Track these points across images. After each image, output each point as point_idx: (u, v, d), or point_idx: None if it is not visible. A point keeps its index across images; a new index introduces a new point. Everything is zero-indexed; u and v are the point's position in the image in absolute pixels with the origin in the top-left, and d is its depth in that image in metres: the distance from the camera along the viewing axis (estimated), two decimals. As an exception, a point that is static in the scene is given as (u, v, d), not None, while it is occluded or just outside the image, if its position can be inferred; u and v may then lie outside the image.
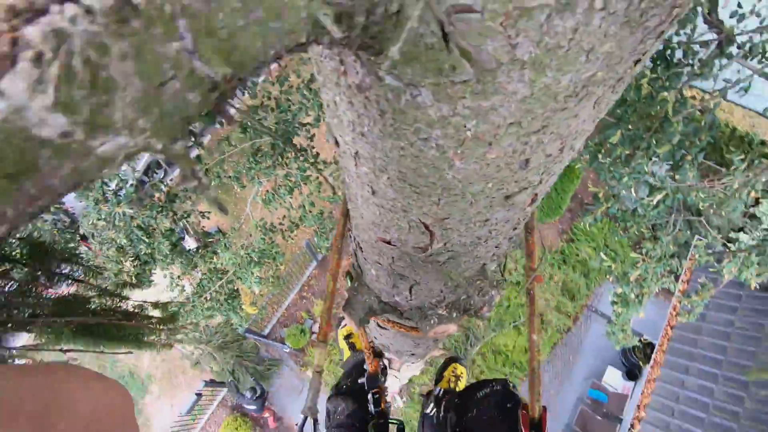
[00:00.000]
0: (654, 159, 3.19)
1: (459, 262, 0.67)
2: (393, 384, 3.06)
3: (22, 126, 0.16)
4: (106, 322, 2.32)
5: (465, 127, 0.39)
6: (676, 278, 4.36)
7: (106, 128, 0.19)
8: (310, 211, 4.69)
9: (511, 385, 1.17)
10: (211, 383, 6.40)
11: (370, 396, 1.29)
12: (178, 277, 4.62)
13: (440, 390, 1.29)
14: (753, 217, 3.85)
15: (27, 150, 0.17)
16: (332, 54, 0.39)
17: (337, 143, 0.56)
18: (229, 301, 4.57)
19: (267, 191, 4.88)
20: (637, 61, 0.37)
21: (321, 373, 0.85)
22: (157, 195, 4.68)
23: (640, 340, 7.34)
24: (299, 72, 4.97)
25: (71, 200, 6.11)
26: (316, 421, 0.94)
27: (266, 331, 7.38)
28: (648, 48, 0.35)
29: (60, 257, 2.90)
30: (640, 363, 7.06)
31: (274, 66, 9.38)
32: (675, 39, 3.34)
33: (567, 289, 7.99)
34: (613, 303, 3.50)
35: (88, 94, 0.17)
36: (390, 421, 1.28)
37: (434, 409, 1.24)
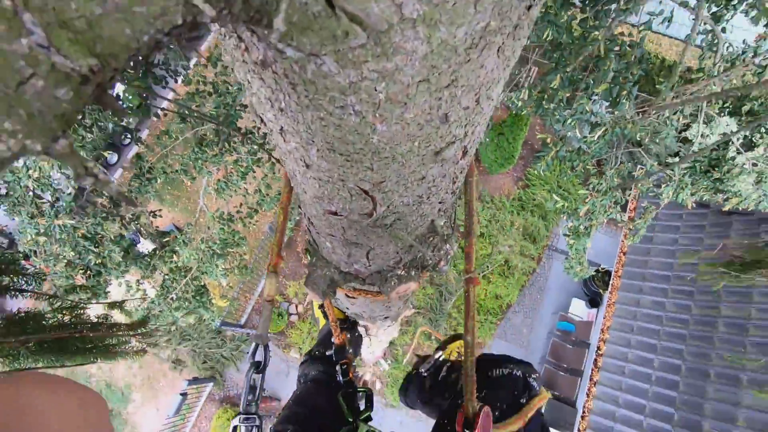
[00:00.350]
0: (594, 98, 3.32)
1: (407, 222, 0.69)
2: (377, 348, 3.15)
3: None
4: (66, 336, 2.21)
5: (376, 90, 0.39)
6: (623, 208, 4.65)
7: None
8: (267, 194, 4.58)
9: (533, 375, 1.07)
10: (194, 381, 6.35)
11: (338, 367, 1.32)
12: (137, 282, 4.45)
13: (441, 355, 1.30)
14: (686, 140, 4.13)
15: None
16: (229, 32, 0.38)
17: (263, 121, 0.55)
18: (198, 297, 4.46)
19: (218, 180, 4.71)
20: (529, 7, 0.38)
21: (272, 302, 0.86)
22: (100, 201, 4.41)
23: (597, 270, 7.89)
24: (231, 50, 4.71)
25: (2, 218, 5.64)
26: (267, 347, 0.95)
27: (243, 321, 7.32)
28: None
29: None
30: (600, 291, 7.61)
31: (203, 47, 8.80)
32: (598, -23, 3.41)
33: (528, 233, 8.36)
34: (566, 236, 3.72)
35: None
36: (358, 390, 1.32)
37: (429, 371, 1.27)
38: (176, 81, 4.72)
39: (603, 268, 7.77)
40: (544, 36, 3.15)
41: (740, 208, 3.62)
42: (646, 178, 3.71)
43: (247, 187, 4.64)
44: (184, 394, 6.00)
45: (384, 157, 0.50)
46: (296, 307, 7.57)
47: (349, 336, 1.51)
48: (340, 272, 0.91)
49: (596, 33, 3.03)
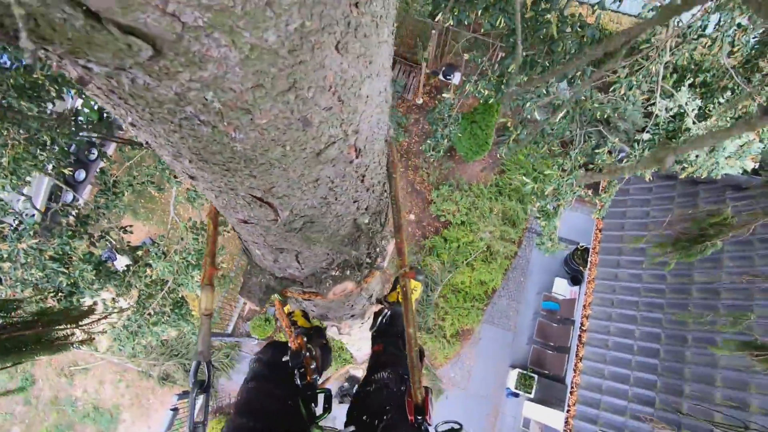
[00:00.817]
0: (551, 81, 3.36)
1: (323, 224, 0.68)
2: (363, 345, 3.15)
3: None
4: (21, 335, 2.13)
5: (207, 99, 0.38)
6: (592, 187, 4.74)
7: None
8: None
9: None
10: (185, 395, 6.27)
11: (296, 372, 1.32)
12: (113, 299, 4.35)
13: (387, 314, 1.35)
14: (650, 115, 4.21)
15: None
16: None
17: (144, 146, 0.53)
18: (176, 310, 4.39)
19: (188, 189, 4.63)
20: (356, 4, 0.37)
21: (210, 315, 0.86)
22: (65, 220, 4.29)
23: (577, 248, 8.05)
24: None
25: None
26: (209, 363, 0.95)
27: (230, 329, 7.25)
28: None
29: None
30: (581, 268, 7.76)
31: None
32: (548, -41, 3.44)
33: (507, 217, 8.46)
34: (537, 218, 3.78)
35: None
36: (318, 391, 1.32)
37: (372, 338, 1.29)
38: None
39: (582, 246, 7.92)
40: (497, 23, 3.16)
41: (695, 176, 3.72)
42: (609, 155, 3.78)
43: (217, 194, 4.58)
44: (175, 410, 5.90)
45: (260, 164, 0.49)
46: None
47: (310, 345, 1.50)
48: (276, 278, 0.90)
49: (548, 16, 3.06)
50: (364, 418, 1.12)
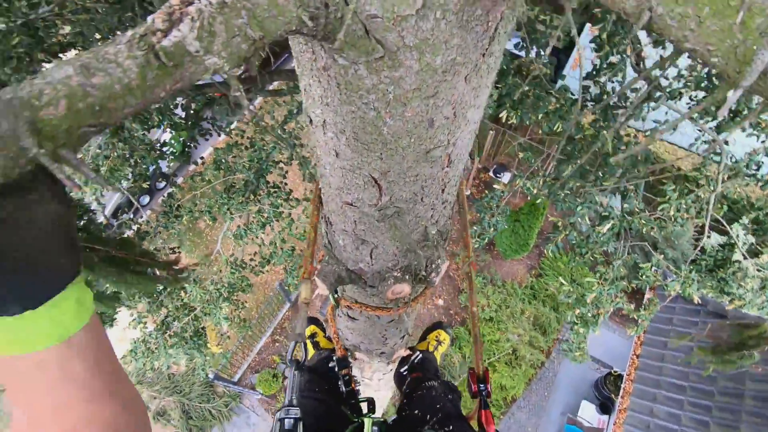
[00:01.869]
0: (603, 191, 3.52)
1: (405, 220, 0.85)
2: (377, 406, 3.05)
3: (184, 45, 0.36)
4: (127, 255, 2.20)
5: (387, 91, 0.58)
6: (631, 299, 4.60)
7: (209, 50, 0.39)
8: (281, 248, 4.77)
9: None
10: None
11: (341, 376, 1.34)
12: (140, 315, 4.52)
13: (418, 355, 1.39)
14: (704, 251, 4.17)
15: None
16: (307, 48, 0.59)
17: (311, 121, 0.74)
18: (195, 338, 4.47)
19: (239, 227, 4.96)
20: (484, 54, 0.58)
21: (308, 305, 0.96)
22: (127, 232, 4.67)
23: (610, 373, 7.49)
24: (273, 114, 5.25)
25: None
26: (305, 344, 1.04)
27: (236, 377, 7.10)
28: (487, 46, 0.57)
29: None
30: (612, 396, 7.15)
31: (249, 109, 9.71)
32: (609, 86, 3.82)
33: (538, 323, 8.15)
34: (573, 324, 3.69)
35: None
36: (360, 400, 1.34)
37: (406, 372, 1.34)
38: (219, 135, 5.21)
39: (615, 372, 7.38)
40: (556, 128, 3.46)
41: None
42: (653, 272, 3.75)
43: (264, 237, 4.85)
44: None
45: (390, 149, 0.68)
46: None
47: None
48: (347, 270, 1.05)
49: (604, 132, 3.32)
50: (416, 412, 1.18)
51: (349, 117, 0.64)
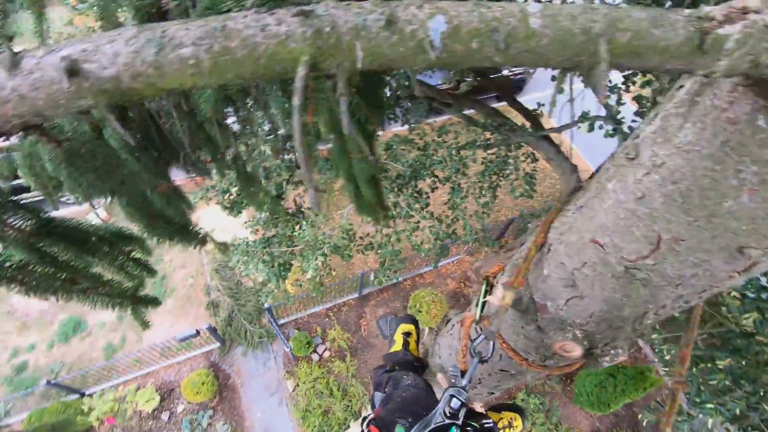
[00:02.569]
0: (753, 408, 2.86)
1: (640, 292, 0.77)
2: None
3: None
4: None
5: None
6: None
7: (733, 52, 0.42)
8: (392, 244, 4.89)
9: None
10: (213, 331, 6.63)
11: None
12: (256, 222, 5.07)
13: (490, 423, 1.24)
14: None
15: None
16: (710, 92, 0.58)
17: (636, 154, 0.69)
18: (282, 267, 4.86)
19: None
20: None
21: (506, 310, 0.96)
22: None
23: None
24: (457, 135, 5.44)
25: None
26: (494, 342, 1.04)
27: (282, 322, 7.51)
28: None
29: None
30: None
31: (437, 121, 10.22)
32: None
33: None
34: None
35: None
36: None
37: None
38: (403, 125, 5.57)
39: None
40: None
41: None
42: None
43: (383, 227, 5.06)
44: (197, 332, 6.29)
45: (711, 224, 0.61)
46: (324, 350, 7.50)
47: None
48: (531, 297, 1.00)
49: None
50: None
51: (700, 173, 0.59)
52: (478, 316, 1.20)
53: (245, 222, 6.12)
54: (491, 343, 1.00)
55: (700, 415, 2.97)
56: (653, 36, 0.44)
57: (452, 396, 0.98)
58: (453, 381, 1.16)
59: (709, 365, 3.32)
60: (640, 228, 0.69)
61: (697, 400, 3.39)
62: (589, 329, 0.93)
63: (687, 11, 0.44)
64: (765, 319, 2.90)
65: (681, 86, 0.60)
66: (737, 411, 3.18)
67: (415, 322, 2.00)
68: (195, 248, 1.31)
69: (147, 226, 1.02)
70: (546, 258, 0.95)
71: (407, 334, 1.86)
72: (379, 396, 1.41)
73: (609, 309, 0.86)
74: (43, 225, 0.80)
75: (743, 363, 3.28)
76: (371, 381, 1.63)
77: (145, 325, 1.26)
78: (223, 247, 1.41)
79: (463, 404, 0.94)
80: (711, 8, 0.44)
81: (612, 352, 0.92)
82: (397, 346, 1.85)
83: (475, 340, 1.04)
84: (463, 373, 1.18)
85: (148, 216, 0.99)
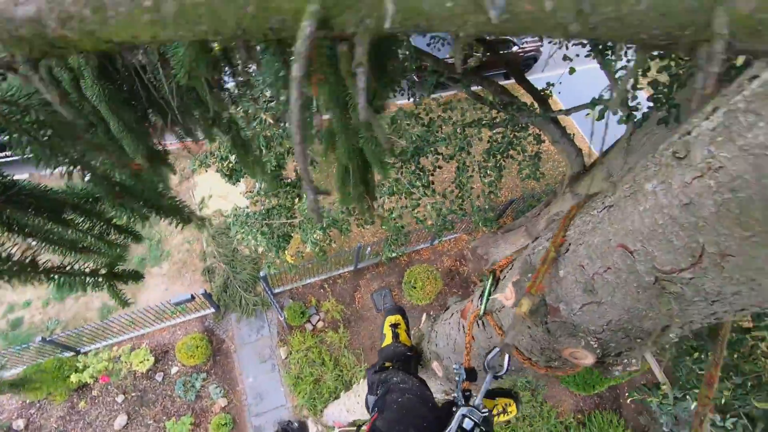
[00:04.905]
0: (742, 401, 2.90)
1: (669, 305, 0.68)
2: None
3: None
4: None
5: None
6: None
7: None
8: (395, 221, 4.83)
9: None
10: (207, 297, 6.65)
11: (460, 388, 1.21)
12: (257, 192, 4.97)
13: (488, 411, 1.20)
14: None
15: None
16: None
17: (686, 153, 0.57)
18: (281, 239, 4.80)
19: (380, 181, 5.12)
20: None
21: (523, 319, 0.89)
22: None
23: None
24: (463, 111, 5.27)
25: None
26: (510, 356, 0.99)
27: (278, 290, 7.54)
28: None
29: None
30: None
31: (444, 95, 9.97)
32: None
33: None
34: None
35: None
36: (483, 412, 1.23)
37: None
38: (409, 99, 5.39)
39: None
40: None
41: None
42: None
43: (382, 202, 4.98)
44: (192, 297, 6.30)
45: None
46: (317, 320, 7.57)
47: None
48: (542, 299, 0.92)
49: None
50: None
51: (766, 181, 0.48)
52: (482, 312, 1.14)
53: (245, 192, 6.02)
54: (506, 356, 0.95)
55: (688, 398, 3.02)
56: None
57: (464, 416, 0.94)
58: (456, 380, 1.12)
59: (702, 356, 3.36)
60: (682, 238, 0.60)
61: (688, 386, 3.47)
62: (604, 338, 0.87)
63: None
64: (765, 314, 2.89)
65: (754, 76, 0.49)
66: (722, 401, 3.24)
67: (401, 312, 1.96)
68: (177, 227, 1.21)
69: (114, 205, 0.90)
70: (563, 258, 0.87)
71: (395, 326, 1.82)
72: (372, 399, 1.38)
73: (629, 319, 0.79)
74: (4, 191, 0.71)
75: (735, 356, 3.33)
76: (366, 377, 1.60)
77: (124, 303, 1.19)
78: (201, 222, 1.31)
79: (476, 424, 0.91)
80: None
81: (625, 361, 0.86)
82: (387, 339, 1.81)
83: (489, 353, 0.99)
84: (467, 373, 1.14)
85: (113, 193, 0.88)
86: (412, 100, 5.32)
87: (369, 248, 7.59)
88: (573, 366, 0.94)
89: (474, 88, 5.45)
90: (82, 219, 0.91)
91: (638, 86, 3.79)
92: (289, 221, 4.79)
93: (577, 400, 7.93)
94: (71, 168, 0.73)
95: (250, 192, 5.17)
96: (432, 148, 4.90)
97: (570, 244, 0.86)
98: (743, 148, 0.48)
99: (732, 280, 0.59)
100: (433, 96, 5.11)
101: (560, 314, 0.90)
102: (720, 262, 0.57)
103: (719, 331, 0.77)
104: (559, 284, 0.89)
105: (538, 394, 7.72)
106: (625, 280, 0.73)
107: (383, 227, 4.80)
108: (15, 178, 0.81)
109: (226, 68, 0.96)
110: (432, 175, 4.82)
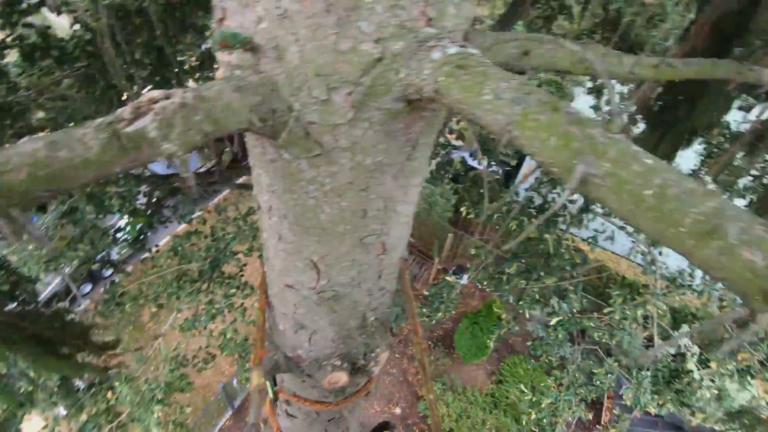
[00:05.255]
0: (544, 288, 3.71)
1: (343, 304, 0.87)
2: None
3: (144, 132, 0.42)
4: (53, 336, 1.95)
5: (325, 183, 0.67)
6: (591, 408, 4.51)
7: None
8: (233, 339, 4.47)
9: None
10: None
11: None
12: (55, 420, 3.90)
13: None
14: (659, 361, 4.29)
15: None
16: (258, 143, 0.69)
17: (259, 207, 0.81)
18: (118, 452, 3.85)
19: (186, 319, 4.66)
20: (408, 158, 0.69)
21: (261, 392, 0.90)
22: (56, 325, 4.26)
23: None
24: (238, 206, 5.33)
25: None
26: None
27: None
28: (410, 151, 0.68)
29: None
30: None
31: (214, 201, 9.78)
32: (550, 196, 4.24)
33: (500, 435, 7.66)
34: (532, 432, 3.54)
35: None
36: None
37: None
38: (180, 223, 5.16)
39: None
40: (508, 225, 3.77)
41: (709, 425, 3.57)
42: (607, 378, 3.76)
43: (213, 328, 4.56)
44: None
45: (327, 234, 0.75)
46: None
47: None
48: (285, 356, 1.02)
49: (547, 236, 3.61)
50: None
51: (291, 203, 0.72)
52: (271, 395, 1.19)
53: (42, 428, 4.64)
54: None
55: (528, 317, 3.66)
56: (60, 160, 0.43)
57: None
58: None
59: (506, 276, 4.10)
60: (299, 260, 0.81)
61: (520, 302, 4.14)
62: (342, 351, 1.03)
63: (98, 120, 0.47)
64: (550, 224, 3.73)
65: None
66: (536, 296, 4.03)
67: (388, 427, 1.91)
68: None
69: None
70: (274, 315, 1.01)
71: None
72: None
73: (339, 329, 0.97)
74: None
75: (522, 258, 4.17)
76: None
77: None
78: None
79: None
80: (121, 110, 0.48)
81: (374, 355, 1.03)
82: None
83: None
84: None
85: None
86: (182, 224, 5.10)
87: (235, 379, 6.82)
88: (347, 389, 1.08)
89: (240, 180, 5.58)
90: None
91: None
92: (114, 423, 3.91)
93: (485, 369, 8.68)
94: None
95: (44, 428, 4.03)
96: (229, 252, 4.78)
97: (272, 301, 1.01)
98: (273, 192, 0.69)
99: (343, 270, 0.81)
100: (202, 207, 5.02)
101: (302, 358, 1.03)
102: (326, 262, 0.78)
103: (402, 277, 1.00)
104: (284, 337, 1.02)
105: (456, 386, 8.17)
106: (308, 307, 0.90)
107: (225, 354, 4.40)
108: None
109: None
110: (242, 275, 4.69)
